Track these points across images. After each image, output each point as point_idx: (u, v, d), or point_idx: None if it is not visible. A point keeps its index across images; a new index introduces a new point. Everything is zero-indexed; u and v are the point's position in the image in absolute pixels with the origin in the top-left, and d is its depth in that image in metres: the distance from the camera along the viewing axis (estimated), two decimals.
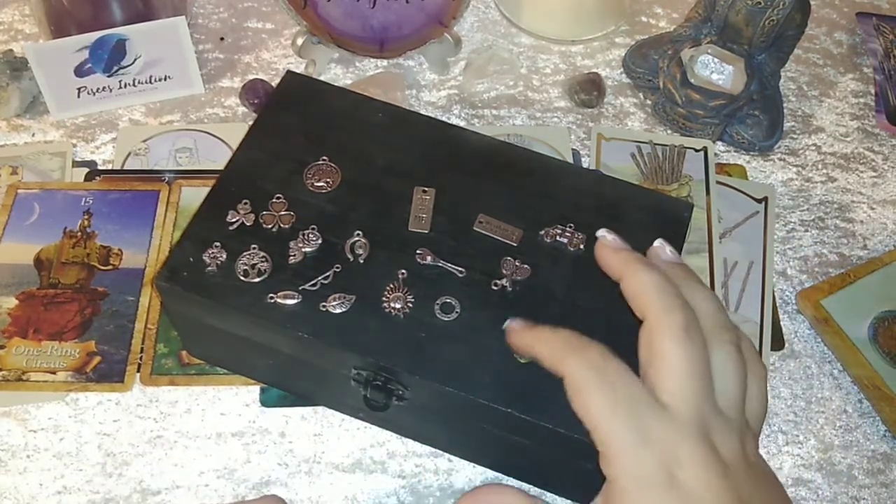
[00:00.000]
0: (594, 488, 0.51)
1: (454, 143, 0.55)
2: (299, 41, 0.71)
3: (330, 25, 0.69)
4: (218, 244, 0.48)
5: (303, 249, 0.49)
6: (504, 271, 0.49)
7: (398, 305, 0.47)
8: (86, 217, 0.62)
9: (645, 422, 0.35)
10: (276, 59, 0.74)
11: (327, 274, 0.48)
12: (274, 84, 0.69)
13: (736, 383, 0.38)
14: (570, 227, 0.51)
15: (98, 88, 0.69)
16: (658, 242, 0.44)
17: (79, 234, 0.61)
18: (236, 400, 0.55)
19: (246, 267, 0.48)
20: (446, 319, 0.47)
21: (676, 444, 0.34)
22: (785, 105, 0.73)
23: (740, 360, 0.38)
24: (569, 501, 0.52)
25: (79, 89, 0.68)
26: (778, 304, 0.62)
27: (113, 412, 0.54)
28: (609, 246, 0.43)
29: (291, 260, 0.48)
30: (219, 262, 0.48)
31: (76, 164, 0.66)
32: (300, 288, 0.47)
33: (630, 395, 0.36)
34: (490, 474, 0.53)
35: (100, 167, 0.66)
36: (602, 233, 0.44)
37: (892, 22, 0.81)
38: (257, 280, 0.47)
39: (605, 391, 0.36)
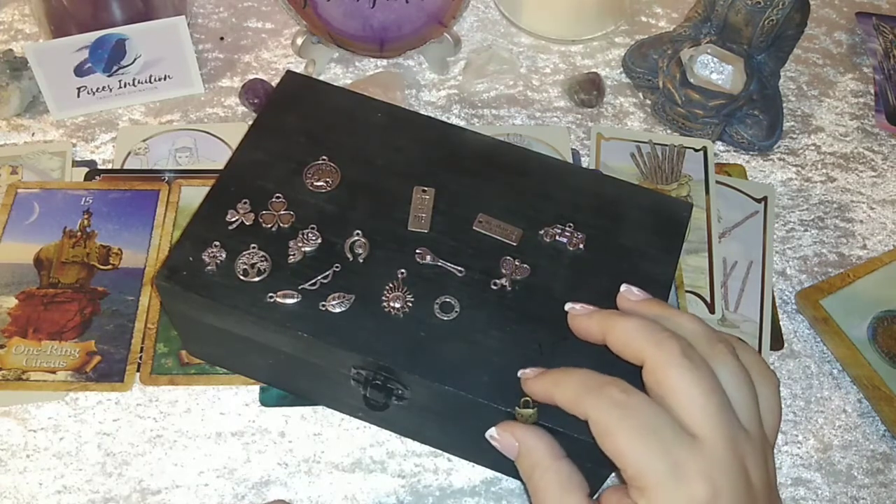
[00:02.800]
0: (594, 487, 0.51)
1: (454, 143, 0.55)
2: (299, 41, 0.71)
3: (330, 25, 0.69)
4: (217, 243, 0.48)
5: (302, 249, 0.49)
6: (503, 271, 0.49)
7: (398, 305, 0.47)
8: (86, 217, 0.62)
9: (680, 456, 0.34)
10: (276, 59, 0.74)
11: (327, 273, 0.48)
12: (274, 84, 0.69)
13: (747, 393, 0.37)
14: (570, 226, 0.51)
15: (98, 88, 0.69)
16: (623, 288, 0.43)
17: (79, 233, 0.61)
18: (236, 399, 0.55)
19: (245, 266, 0.48)
20: (446, 319, 0.47)
21: (715, 476, 0.34)
22: (784, 105, 0.73)
23: (741, 367, 0.38)
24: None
25: (79, 89, 0.68)
26: (777, 304, 0.62)
27: (113, 412, 0.54)
28: (580, 314, 0.42)
29: (291, 259, 0.48)
30: (218, 262, 0.48)
31: (76, 163, 0.66)
32: (300, 287, 0.47)
33: (659, 426, 0.35)
34: (490, 474, 0.53)
35: (100, 167, 0.66)
36: (569, 306, 0.44)
37: (892, 22, 0.81)
38: (257, 279, 0.47)
39: (633, 428, 0.35)
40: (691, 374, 0.35)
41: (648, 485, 0.34)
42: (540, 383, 0.41)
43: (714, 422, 0.35)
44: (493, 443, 0.41)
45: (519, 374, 0.43)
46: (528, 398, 0.42)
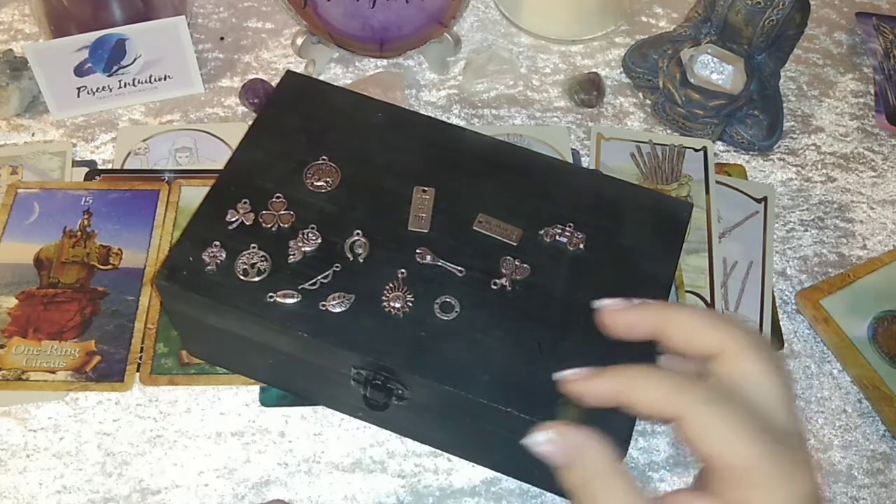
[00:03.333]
0: None
1: (454, 143, 0.55)
2: (299, 41, 0.71)
3: (330, 25, 0.69)
4: (217, 243, 0.48)
5: (302, 249, 0.49)
6: (503, 271, 0.49)
7: (398, 305, 0.47)
8: (86, 216, 0.62)
9: (778, 450, 0.33)
10: (276, 59, 0.74)
11: (327, 273, 0.48)
12: (274, 84, 0.69)
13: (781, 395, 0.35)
14: (570, 226, 0.51)
15: (98, 88, 0.69)
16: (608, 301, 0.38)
17: (79, 233, 0.61)
18: (236, 400, 0.55)
19: (245, 266, 0.48)
20: (446, 319, 0.47)
21: (811, 470, 0.32)
22: (785, 105, 0.73)
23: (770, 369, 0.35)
24: (568, 502, 0.52)
25: (79, 89, 0.68)
26: (777, 304, 0.62)
27: (113, 412, 0.54)
28: (621, 308, 0.38)
29: (291, 259, 0.48)
30: (218, 262, 0.48)
31: (76, 163, 0.66)
32: (300, 287, 0.47)
33: (755, 423, 0.33)
34: (490, 474, 0.53)
35: (100, 167, 0.66)
36: (599, 303, 0.38)
37: (892, 22, 0.81)
38: (257, 279, 0.47)
39: (725, 412, 0.33)
40: (767, 364, 0.34)
41: (754, 481, 0.32)
42: (607, 382, 0.36)
43: (791, 413, 0.34)
44: (543, 448, 0.36)
45: (561, 375, 0.37)
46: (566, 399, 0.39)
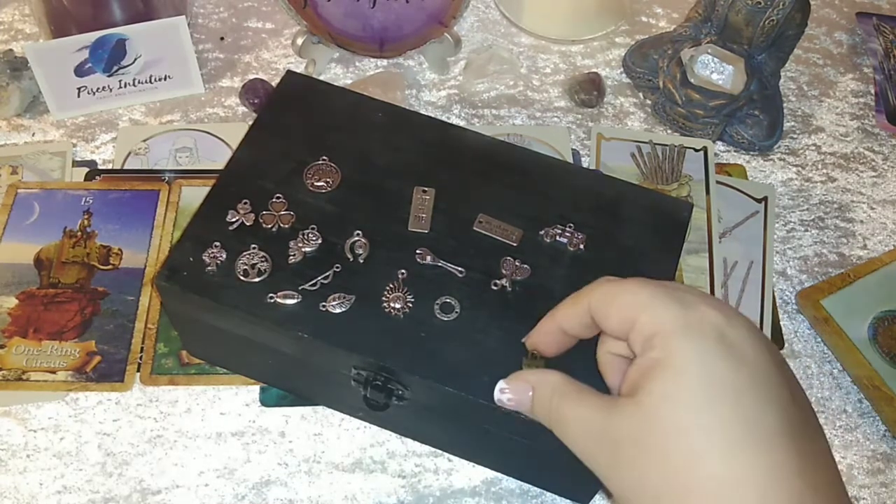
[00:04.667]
0: (594, 488, 0.51)
1: (454, 143, 0.54)
2: (299, 41, 0.71)
3: (330, 25, 0.69)
4: (218, 244, 0.48)
5: (303, 249, 0.49)
6: (504, 271, 0.49)
7: (398, 305, 0.47)
8: (86, 217, 0.62)
9: (684, 294, 0.35)
10: (276, 59, 0.74)
11: (327, 274, 0.48)
12: (274, 84, 0.69)
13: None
14: (570, 226, 0.51)
15: (98, 88, 0.69)
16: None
17: (79, 233, 0.61)
18: (236, 400, 0.55)
19: (246, 267, 0.48)
20: (446, 319, 0.47)
21: (722, 309, 0.34)
22: (785, 105, 0.73)
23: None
24: (568, 501, 0.52)
25: (79, 89, 0.68)
26: (778, 304, 0.62)
27: (113, 412, 0.54)
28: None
29: (291, 260, 0.48)
30: (219, 262, 0.48)
31: (76, 163, 0.66)
32: (300, 288, 0.47)
33: (655, 283, 0.36)
34: (490, 474, 0.53)
35: (100, 167, 0.66)
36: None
37: (892, 22, 0.81)
38: (257, 280, 0.47)
39: (636, 284, 0.36)
40: (674, 306, 0.35)
41: (663, 319, 0.34)
42: (542, 326, 0.41)
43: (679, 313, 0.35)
44: (505, 396, 0.40)
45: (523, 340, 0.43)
46: (534, 353, 0.43)
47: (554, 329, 0.40)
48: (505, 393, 0.40)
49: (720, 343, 0.33)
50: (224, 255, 0.48)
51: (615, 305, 0.36)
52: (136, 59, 0.68)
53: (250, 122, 0.55)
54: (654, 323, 0.34)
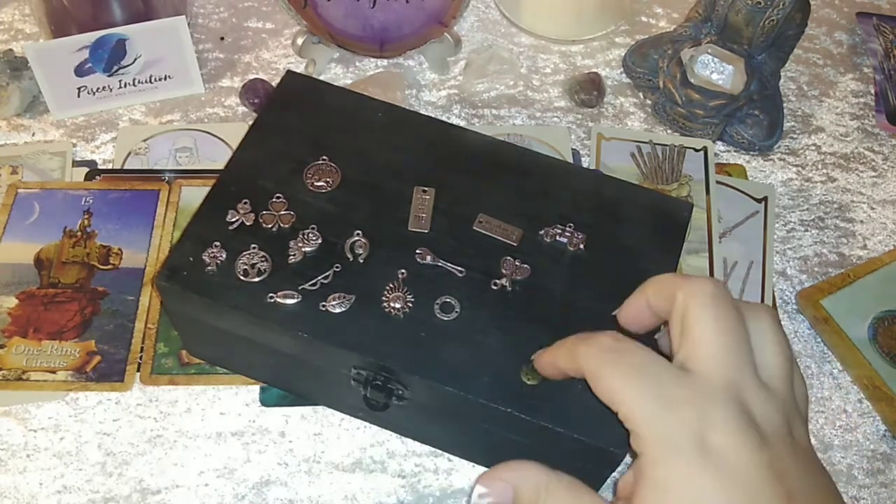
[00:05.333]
0: (593, 488, 0.51)
1: (454, 143, 0.55)
2: (299, 41, 0.71)
3: (330, 25, 0.69)
4: (218, 244, 0.48)
5: (303, 249, 0.49)
6: (504, 271, 0.49)
7: (398, 305, 0.47)
8: (86, 216, 0.62)
9: (670, 389, 0.32)
10: (276, 59, 0.74)
11: (327, 274, 0.48)
12: (274, 84, 0.69)
13: (780, 357, 0.34)
14: (570, 226, 0.51)
15: (98, 88, 0.69)
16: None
17: (79, 233, 0.61)
18: (236, 399, 0.55)
19: (246, 266, 0.48)
20: (446, 319, 0.47)
21: (706, 408, 0.32)
22: (785, 105, 0.73)
23: (782, 333, 0.35)
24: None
25: (79, 89, 0.68)
26: (778, 304, 0.62)
27: (113, 412, 0.54)
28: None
29: (291, 260, 0.48)
30: (219, 262, 0.48)
31: (76, 163, 0.66)
32: (300, 288, 0.47)
33: (649, 365, 0.33)
34: None
35: (100, 167, 0.66)
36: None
37: (892, 22, 0.81)
38: (257, 280, 0.47)
39: (623, 367, 0.34)
40: (713, 309, 0.34)
41: (642, 424, 0.32)
42: (544, 356, 0.41)
43: (717, 359, 0.33)
44: (484, 501, 0.37)
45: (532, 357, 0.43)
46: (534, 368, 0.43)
47: (549, 364, 0.40)
48: (485, 498, 0.37)
49: (700, 454, 0.31)
50: (224, 255, 0.48)
51: (598, 389, 0.35)
52: (136, 59, 0.68)
53: (250, 122, 0.55)
54: (633, 422, 0.33)
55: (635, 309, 0.39)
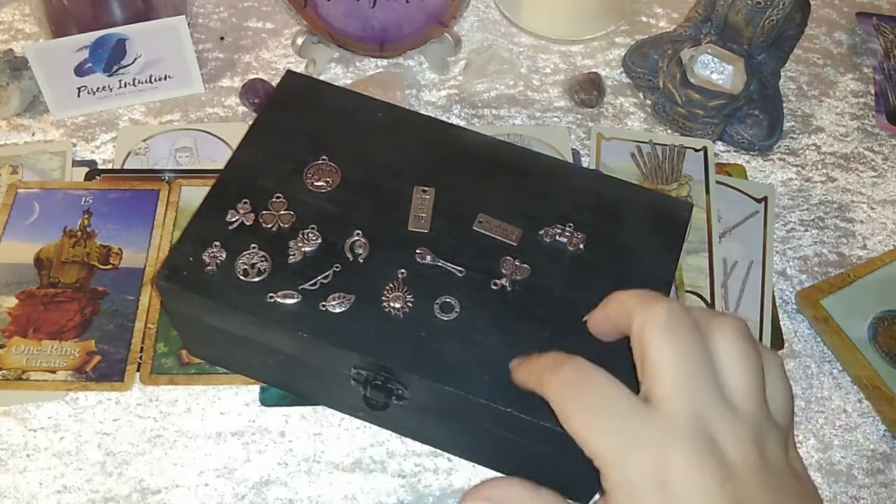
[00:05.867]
0: (593, 488, 0.51)
1: (454, 143, 0.55)
2: (299, 41, 0.71)
3: (330, 25, 0.69)
4: (218, 243, 0.48)
5: (302, 249, 0.49)
6: (504, 271, 0.49)
7: (398, 305, 0.47)
8: (86, 216, 0.62)
9: (630, 427, 0.32)
10: (276, 59, 0.74)
11: (327, 273, 0.48)
12: (274, 84, 0.69)
13: (746, 373, 0.33)
14: (570, 226, 0.51)
15: (98, 88, 0.69)
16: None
17: (79, 233, 0.61)
18: (236, 399, 0.55)
19: (246, 266, 0.48)
20: (446, 319, 0.47)
21: (667, 446, 0.31)
22: (785, 105, 0.73)
23: (749, 347, 0.34)
24: (569, 501, 0.52)
25: (79, 89, 0.68)
26: (778, 304, 0.62)
27: (113, 411, 0.54)
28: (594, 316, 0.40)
29: (291, 259, 0.48)
30: (218, 262, 0.48)
31: (76, 163, 0.66)
32: (300, 287, 0.47)
33: (610, 401, 0.33)
34: (490, 474, 0.53)
35: (100, 166, 0.66)
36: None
37: (892, 22, 0.81)
38: (257, 279, 0.47)
39: (585, 406, 0.33)
40: (670, 336, 0.33)
41: (604, 463, 0.32)
42: (519, 371, 0.40)
43: (677, 391, 0.32)
44: None
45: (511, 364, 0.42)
46: None
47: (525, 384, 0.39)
48: None
49: (661, 496, 0.31)
50: (224, 255, 0.48)
51: (563, 423, 0.34)
52: (136, 59, 0.68)
53: (250, 122, 0.55)
54: (597, 462, 0.33)
55: (600, 323, 0.39)
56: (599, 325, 0.40)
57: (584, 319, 0.40)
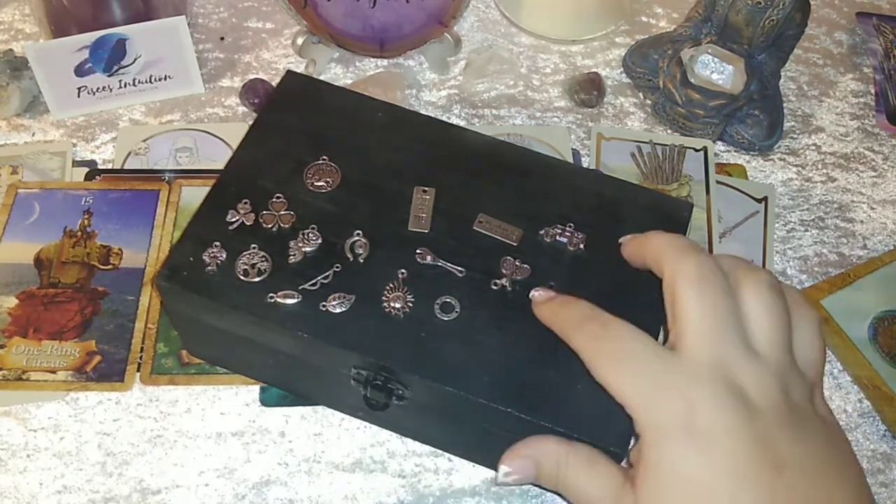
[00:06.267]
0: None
1: (454, 143, 0.55)
2: (299, 41, 0.71)
3: (330, 25, 0.69)
4: (218, 244, 0.48)
5: (303, 249, 0.49)
6: (504, 271, 0.49)
7: (398, 305, 0.47)
8: (86, 216, 0.62)
9: (656, 373, 0.34)
10: (276, 59, 0.74)
11: (327, 274, 0.48)
12: (274, 84, 0.69)
13: (772, 323, 0.35)
14: (570, 226, 0.51)
15: (98, 88, 0.69)
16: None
17: (79, 233, 0.61)
18: (236, 399, 0.55)
19: (246, 266, 0.48)
20: (446, 319, 0.47)
21: (691, 390, 0.33)
22: (785, 105, 0.73)
23: (775, 299, 0.35)
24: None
25: (79, 89, 0.68)
26: None
27: (113, 411, 0.54)
28: (630, 241, 0.44)
29: (291, 259, 0.48)
30: (219, 262, 0.48)
31: (76, 163, 0.66)
32: (300, 287, 0.47)
33: (636, 351, 0.35)
34: (490, 474, 0.53)
35: (100, 167, 0.66)
36: (624, 239, 0.46)
37: (892, 22, 0.81)
38: (257, 280, 0.47)
39: (611, 355, 0.35)
40: (698, 287, 0.34)
41: (634, 409, 0.34)
42: (544, 309, 0.42)
43: (702, 338, 0.34)
44: (510, 479, 0.40)
45: (530, 294, 0.45)
46: None
47: (551, 323, 0.44)
48: (510, 476, 0.39)
49: (688, 436, 0.32)
50: (224, 255, 0.48)
51: (595, 376, 0.37)
52: (136, 59, 0.68)
53: (250, 122, 0.55)
54: (629, 409, 0.35)
55: (633, 255, 0.43)
56: (632, 256, 0.43)
57: (620, 242, 0.44)
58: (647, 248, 0.40)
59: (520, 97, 0.73)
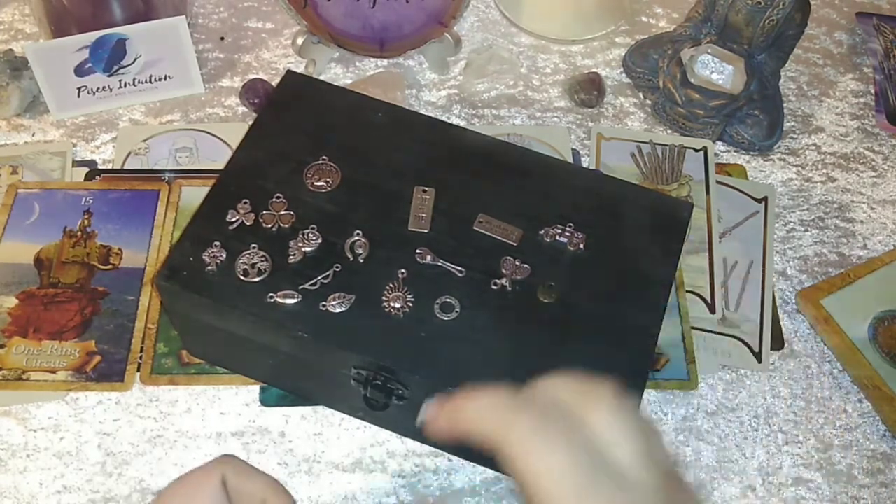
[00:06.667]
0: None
1: (454, 143, 0.55)
2: (299, 41, 0.71)
3: (330, 25, 0.69)
4: (218, 244, 0.48)
5: (303, 249, 0.49)
6: (504, 271, 0.49)
7: (398, 305, 0.47)
8: (86, 216, 0.62)
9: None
10: (276, 59, 0.74)
11: (327, 273, 0.48)
12: (274, 84, 0.69)
13: (633, 447, 0.33)
14: (570, 226, 0.51)
15: (98, 88, 0.69)
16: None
17: (79, 233, 0.61)
18: (236, 399, 0.55)
19: (246, 266, 0.48)
20: (446, 319, 0.47)
21: None
22: (785, 105, 0.73)
23: (618, 414, 0.33)
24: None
25: (79, 89, 0.68)
26: (778, 304, 0.62)
27: (113, 411, 0.54)
28: (430, 417, 0.35)
29: (291, 259, 0.48)
30: (219, 262, 0.48)
31: (76, 163, 0.66)
32: (300, 287, 0.47)
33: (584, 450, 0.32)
34: (490, 474, 0.53)
35: (100, 167, 0.66)
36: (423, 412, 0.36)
37: (892, 22, 0.81)
38: (257, 279, 0.47)
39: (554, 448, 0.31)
40: (544, 449, 0.31)
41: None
42: (446, 415, 0.35)
43: (566, 498, 0.31)
44: (433, 432, 0.35)
45: (418, 420, 0.37)
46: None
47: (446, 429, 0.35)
48: (429, 426, 0.35)
49: None
50: (224, 255, 0.48)
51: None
52: (136, 59, 0.68)
53: (250, 122, 0.55)
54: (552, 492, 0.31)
55: (445, 431, 0.35)
56: (441, 432, 0.35)
57: (419, 420, 0.36)
58: (461, 420, 0.34)
59: (520, 97, 0.73)
